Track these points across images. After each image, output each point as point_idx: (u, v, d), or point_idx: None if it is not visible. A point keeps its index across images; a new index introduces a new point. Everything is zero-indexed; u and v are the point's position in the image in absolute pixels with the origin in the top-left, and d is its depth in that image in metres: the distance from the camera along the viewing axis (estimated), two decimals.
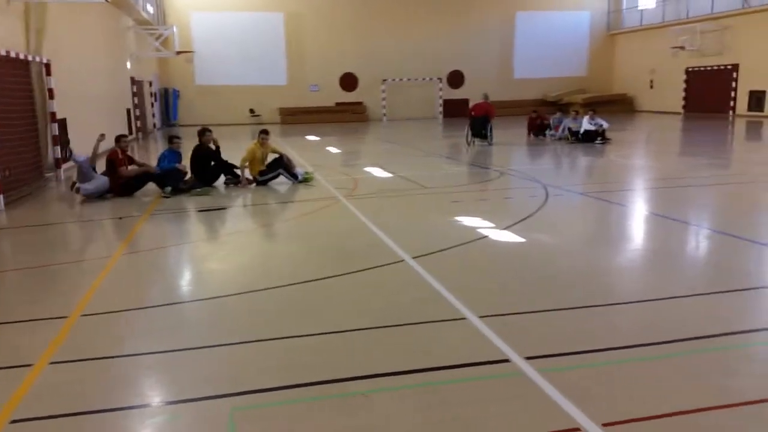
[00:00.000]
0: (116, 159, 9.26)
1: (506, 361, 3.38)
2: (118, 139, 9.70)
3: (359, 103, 32.97)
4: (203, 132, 10.05)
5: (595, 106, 25.57)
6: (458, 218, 7.27)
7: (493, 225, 6.79)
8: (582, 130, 16.21)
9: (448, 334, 3.85)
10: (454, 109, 33.70)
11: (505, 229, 6.57)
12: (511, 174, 11.21)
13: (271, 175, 10.05)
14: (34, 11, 11.28)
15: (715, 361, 3.40)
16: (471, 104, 20.75)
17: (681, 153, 15.61)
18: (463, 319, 4.02)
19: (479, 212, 7.63)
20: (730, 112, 26.97)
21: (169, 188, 9.30)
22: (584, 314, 4.14)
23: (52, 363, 3.52)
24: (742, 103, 26.52)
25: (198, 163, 9.85)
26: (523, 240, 6.15)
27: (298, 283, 4.89)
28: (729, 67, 26.96)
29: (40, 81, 11.18)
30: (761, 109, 25.39)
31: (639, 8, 33.36)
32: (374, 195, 9.16)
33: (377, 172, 11.75)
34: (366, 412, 2.89)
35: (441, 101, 33.58)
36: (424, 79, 33.24)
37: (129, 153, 9.99)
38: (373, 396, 3.03)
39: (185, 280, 5.37)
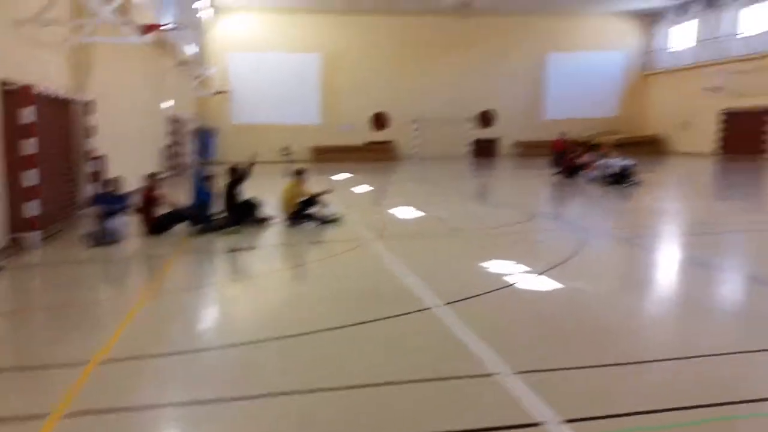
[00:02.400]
0: (150, 197, 9.38)
1: (540, 424, 3.17)
2: (152, 176, 9.85)
3: (389, 142, 33.22)
4: (233, 170, 10.16)
5: (627, 147, 25.22)
6: (491, 262, 7.08)
7: (527, 269, 6.59)
8: (608, 173, 15.89)
9: (479, 390, 3.65)
10: (484, 149, 33.71)
11: (540, 274, 6.37)
12: (544, 216, 10.99)
13: (303, 216, 10.03)
14: (81, 51, 11.71)
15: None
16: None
17: (716, 197, 15.17)
18: (497, 374, 3.82)
19: (512, 255, 7.43)
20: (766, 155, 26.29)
21: (199, 227, 9.36)
22: (623, 372, 3.90)
23: (67, 416, 3.42)
24: None
25: (228, 201, 9.91)
26: (559, 286, 5.93)
27: (325, 330, 4.77)
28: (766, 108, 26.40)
29: (81, 119, 11.52)
30: None
31: (672, 49, 33.16)
32: (404, 236, 9.05)
33: (407, 212, 11.66)
34: None
35: (472, 140, 33.63)
36: (455, 118, 33.41)
37: (162, 191, 10.10)
38: None
39: (212, 325, 5.31)
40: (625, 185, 15.21)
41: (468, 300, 5.45)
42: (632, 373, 3.89)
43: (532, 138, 34.02)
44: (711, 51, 29.96)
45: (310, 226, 9.88)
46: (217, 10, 30.47)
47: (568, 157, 18.73)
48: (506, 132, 33.99)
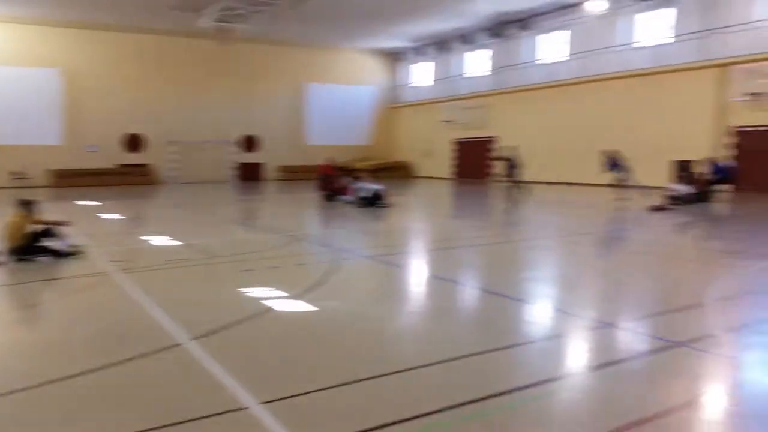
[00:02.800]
0: None
1: None
2: None
3: (145, 165, 30.96)
4: None
5: (380, 172, 27.46)
6: (248, 289, 6.97)
7: (284, 294, 6.63)
8: (362, 195, 17.05)
9: (226, 428, 3.52)
10: (248, 172, 33.51)
11: (293, 297, 6.45)
12: (304, 239, 11.25)
13: (33, 251, 8.67)
14: None
15: (487, 427, 3.59)
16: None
17: (453, 216, 17.30)
18: (245, 409, 3.72)
19: (270, 281, 7.41)
20: (491, 178, 30.90)
21: None
22: (379, 384, 4.12)
23: None
24: (501, 169, 30.54)
25: None
26: (313, 308, 6.07)
27: (56, 381, 4.12)
28: (489, 138, 31.07)
29: None
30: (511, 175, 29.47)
31: (414, 85, 37.18)
32: (156, 267, 8.42)
33: (163, 240, 10.91)
34: None
35: (235, 164, 33.13)
36: (216, 142, 32.58)
37: None
38: None
39: None
40: (377, 207, 16.40)
41: (220, 332, 5.25)
42: (387, 384, 4.12)
43: (296, 162, 34.87)
44: (444, 88, 34.31)
45: (43, 261, 8.60)
46: None
47: (328, 181, 19.59)
48: (271, 156, 34.27)
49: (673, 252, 10.19)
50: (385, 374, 4.27)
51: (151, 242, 10.76)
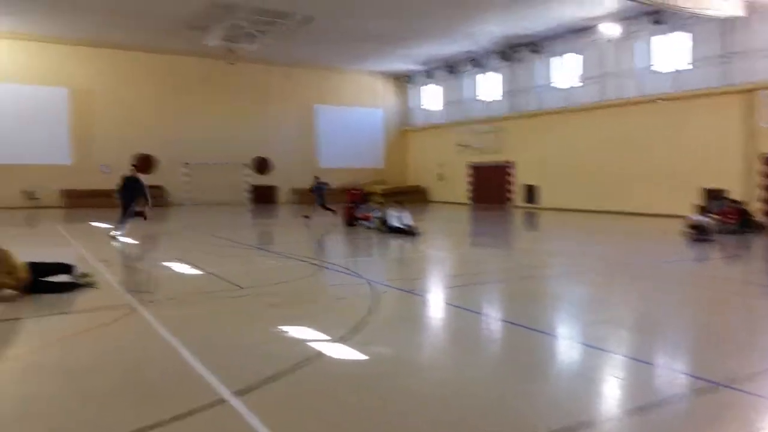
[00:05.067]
0: None
1: None
2: None
3: (158, 187, 30.51)
4: None
5: (394, 196, 26.91)
6: (282, 328, 6.33)
7: (325, 336, 5.97)
8: (390, 224, 16.42)
9: None
10: (262, 195, 33.00)
11: (339, 341, 5.80)
12: (331, 268, 10.62)
13: (50, 286, 8.04)
14: None
15: None
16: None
17: (483, 244, 16.66)
18: None
19: (304, 318, 6.78)
20: (509, 203, 30.31)
21: None
22: None
23: None
24: (519, 195, 30.02)
25: None
26: (362, 357, 5.40)
27: None
28: (506, 163, 30.54)
29: None
30: (534, 201, 28.94)
31: (425, 108, 36.79)
32: (179, 300, 7.80)
33: (182, 268, 10.32)
34: None
35: (248, 186, 32.68)
36: (229, 163, 32.18)
37: None
38: None
39: None
40: (404, 235, 15.74)
41: (263, 387, 4.57)
42: None
43: (308, 185, 34.37)
44: (456, 111, 33.91)
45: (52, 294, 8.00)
46: None
47: (348, 207, 19.06)
48: (283, 179, 33.83)
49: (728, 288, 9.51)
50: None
51: (169, 270, 10.16)
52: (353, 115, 36.37)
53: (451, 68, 33.48)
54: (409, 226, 16.10)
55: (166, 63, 30.54)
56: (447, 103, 34.74)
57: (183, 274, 9.89)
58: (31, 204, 26.91)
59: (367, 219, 17.82)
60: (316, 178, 22.46)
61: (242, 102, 32.67)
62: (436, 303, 8.01)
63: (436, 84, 35.47)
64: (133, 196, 14.87)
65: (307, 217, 20.47)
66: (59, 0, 21.58)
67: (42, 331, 6.57)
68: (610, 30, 24.68)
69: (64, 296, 7.86)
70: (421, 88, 36.92)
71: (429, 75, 35.32)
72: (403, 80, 37.54)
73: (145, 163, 30.30)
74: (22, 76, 27.60)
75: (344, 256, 13.37)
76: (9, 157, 27.00)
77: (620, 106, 24.83)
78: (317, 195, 21.31)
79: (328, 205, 20.83)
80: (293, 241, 15.80)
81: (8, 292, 7.61)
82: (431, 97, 36.42)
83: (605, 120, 25.55)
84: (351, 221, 18.47)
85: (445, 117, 34.85)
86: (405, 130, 38.13)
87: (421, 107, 37.10)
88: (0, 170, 26.76)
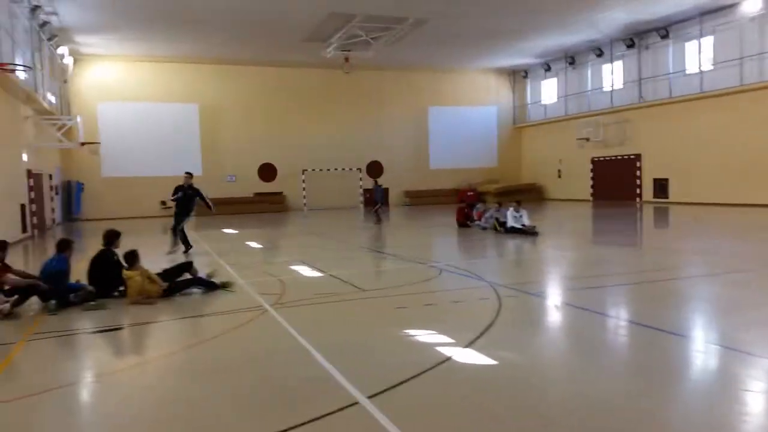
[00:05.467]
0: None
1: None
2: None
3: (279, 194, 32.10)
4: (111, 236, 8.61)
5: (508, 195, 26.15)
6: (408, 331, 6.26)
7: (451, 340, 5.82)
8: (508, 225, 15.93)
9: None
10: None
11: (467, 346, 5.61)
12: (451, 271, 10.45)
13: (181, 285, 8.66)
14: None
15: None
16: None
17: (605, 243, 15.67)
18: None
19: (430, 322, 6.66)
20: (637, 199, 28.36)
21: (53, 302, 7.73)
22: None
23: None
24: (647, 190, 28.01)
25: (99, 271, 8.35)
26: (492, 362, 5.19)
27: None
28: (632, 156, 28.64)
29: None
30: (666, 196, 26.86)
31: (542, 103, 35.43)
32: (306, 302, 8.01)
33: (305, 270, 10.65)
34: None
35: (361, 190, 33.35)
36: (344, 169, 33.08)
37: (7, 262, 8.31)
38: None
39: None
40: (523, 235, 15.22)
41: (395, 388, 4.52)
42: None
43: (421, 187, 34.51)
44: (576, 104, 32.32)
45: (193, 294, 8.55)
46: (84, 58, 28.10)
47: (462, 207, 18.77)
48: (395, 181, 34.21)
49: None
50: None
51: (294, 273, 10.51)
52: (466, 114, 35.96)
53: (572, 59, 32.01)
54: (528, 226, 15.54)
55: (286, 76, 31.99)
56: (566, 95, 33.24)
57: (307, 276, 10.18)
58: (168, 213, 29.30)
59: (480, 219, 17.43)
60: (376, 182, 23.55)
61: (357, 109, 33.45)
62: (563, 306, 7.56)
63: (555, 77, 34.09)
64: (189, 207, 14.18)
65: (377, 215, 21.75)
66: (189, 22, 23.29)
67: (190, 331, 7.01)
68: (751, 7, 22.31)
69: (199, 298, 8.37)
70: (537, 82, 35.67)
71: (547, 68, 34.04)
72: (518, 75, 36.51)
73: (267, 171, 31.95)
74: (159, 95, 30.19)
75: (462, 258, 13.13)
76: (150, 170, 29.62)
77: (762, 89, 22.35)
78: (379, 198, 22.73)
79: (381, 212, 22.30)
80: (408, 243, 15.80)
81: (148, 299, 8.23)
82: (549, 91, 35.06)
83: (745, 106, 23.13)
84: (464, 222, 18.17)
85: (564, 110, 33.39)
86: (520, 126, 37.07)
87: (538, 102, 35.84)
88: (142, 182, 29.41)
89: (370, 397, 4.32)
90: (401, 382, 4.64)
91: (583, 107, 31.81)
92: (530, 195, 33.15)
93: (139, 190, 29.35)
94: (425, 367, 4.99)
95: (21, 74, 15.58)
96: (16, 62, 14.82)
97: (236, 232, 19.87)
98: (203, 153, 31.12)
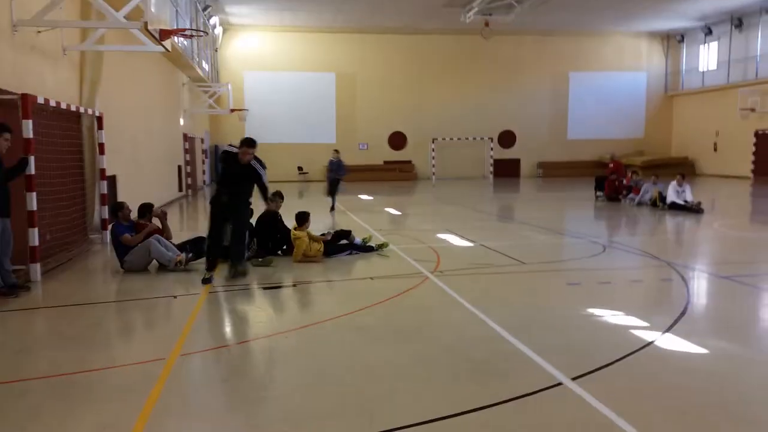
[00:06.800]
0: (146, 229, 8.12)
1: None
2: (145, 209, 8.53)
3: (408, 162, 32.09)
4: (273, 196, 8.83)
5: (654, 169, 24.02)
6: (592, 311, 5.76)
7: (645, 324, 5.24)
8: (668, 200, 14.56)
9: None
10: (504, 169, 32.48)
11: (666, 331, 5.02)
12: (616, 247, 9.63)
13: (339, 250, 8.73)
14: (89, 62, 10.56)
15: None
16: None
17: None
18: None
19: (612, 302, 6.10)
20: None
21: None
22: None
23: None
24: None
25: (266, 229, 8.64)
26: (702, 350, 4.58)
27: (425, 423, 3.41)
28: None
29: (90, 135, 10.33)
30: None
31: (698, 70, 32.00)
32: (466, 271, 7.72)
33: (453, 239, 10.37)
34: None
35: (491, 161, 32.41)
36: (474, 138, 32.27)
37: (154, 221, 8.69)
38: None
39: (260, 408, 3.95)
40: (686, 211, 13.84)
41: (599, 371, 4.11)
42: None
43: (556, 159, 32.87)
44: (740, 72, 28.80)
45: (351, 257, 8.60)
46: (232, 27, 29.59)
47: (611, 179, 17.48)
48: (527, 152, 32.84)
49: None
50: None
51: (443, 241, 10.25)
52: (611, 80, 33.42)
53: (739, 21, 28.45)
54: (692, 202, 14.09)
55: (421, 43, 31.55)
56: (730, 61, 29.66)
57: (457, 245, 9.89)
58: (301, 178, 30.51)
59: (638, 193, 16.10)
60: (335, 152, 16.78)
61: (493, 76, 32.31)
62: (758, 291, 6.61)
63: (716, 41, 30.55)
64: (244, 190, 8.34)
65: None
66: None
67: (359, 293, 6.92)
68: None
69: (359, 261, 8.38)
70: (695, 47, 32.21)
71: (707, 31, 30.58)
72: (673, 39, 33.23)
73: (397, 139, 31.98)
74: (298, 64, 31.10)
75: (625, 234, 12.16)
76: (288, 137, 30.86)
77: None
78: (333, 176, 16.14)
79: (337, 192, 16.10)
80: (555, 216, 14.97)
81: (312, 258, 8.37)
82: (708, 57, 31.53)
83: None
84: (615, 195, 16.90)
85: (726, 78, 29.91)
86: (672, 94, 33.87)
87: (695, 68, 32.40)
88: (281, 149, 30.64)
89: (574, 379, 3.94)
90: (605, 365, 4.21)
91: (749, 75, 28.26)
92: (680, 169, 30.17)
93: (278, 155, 30.62)
94: (627, 351, 4.51)
95: (184, 42, 16.58)
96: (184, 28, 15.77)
97: (371, 198, 20.07)
98: (338, 121, 31.75)
